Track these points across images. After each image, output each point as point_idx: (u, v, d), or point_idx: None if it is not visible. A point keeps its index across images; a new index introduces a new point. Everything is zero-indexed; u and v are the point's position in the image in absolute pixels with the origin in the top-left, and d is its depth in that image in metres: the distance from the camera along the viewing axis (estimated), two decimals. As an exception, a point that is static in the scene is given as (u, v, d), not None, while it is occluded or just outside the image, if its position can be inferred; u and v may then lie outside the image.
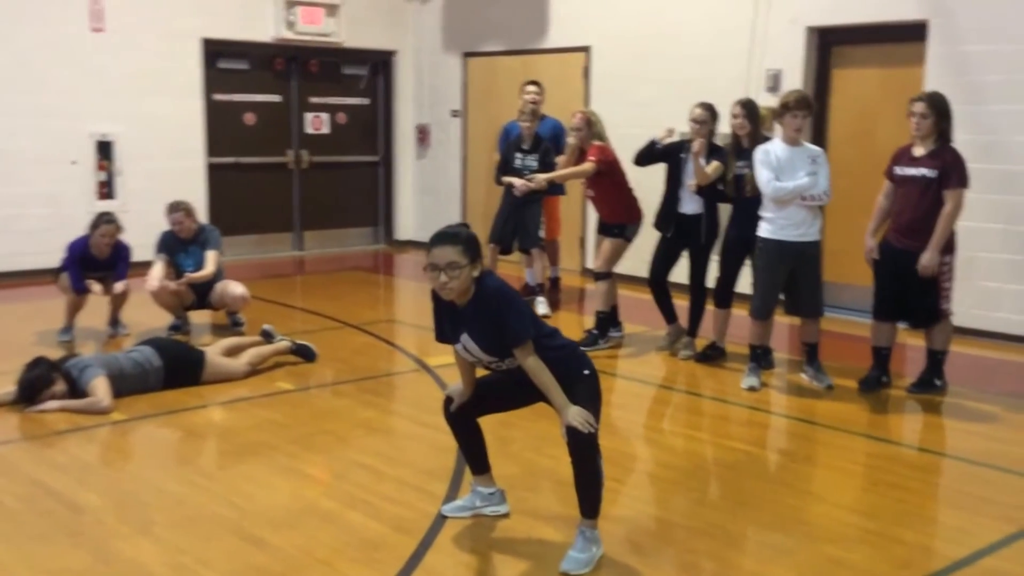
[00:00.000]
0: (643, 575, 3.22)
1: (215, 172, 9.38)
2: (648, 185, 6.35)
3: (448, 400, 3.52)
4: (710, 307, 6.00)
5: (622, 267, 6.42)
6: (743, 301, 5.78)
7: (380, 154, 10.76)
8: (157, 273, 6.29)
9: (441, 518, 3.58)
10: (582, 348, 3.56)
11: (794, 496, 3.98)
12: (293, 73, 10.02)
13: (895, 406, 5.22)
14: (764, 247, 5.31)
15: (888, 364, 5.42)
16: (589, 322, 6.54)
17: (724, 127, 5.97)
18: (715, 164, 5.75)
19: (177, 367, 5.17)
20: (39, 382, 4.79)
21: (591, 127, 6.26)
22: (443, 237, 3.17)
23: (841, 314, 6.93)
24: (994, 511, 3.80)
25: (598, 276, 6.31)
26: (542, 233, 7.30)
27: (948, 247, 5.09)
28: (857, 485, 4.22)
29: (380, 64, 10.55)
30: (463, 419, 3.51)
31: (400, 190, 10.77)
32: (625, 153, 6.22)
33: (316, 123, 10.24)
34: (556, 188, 7.38)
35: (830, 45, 7.35)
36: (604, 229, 6.37)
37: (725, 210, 5.92)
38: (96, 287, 6.24)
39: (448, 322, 3.32)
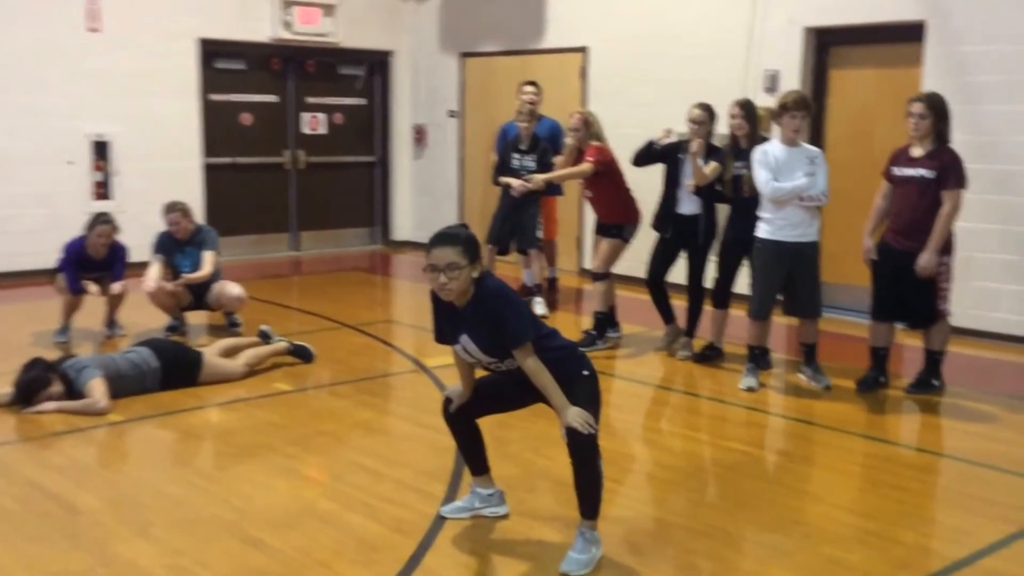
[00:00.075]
0: (642, 575, 3.23)
1: (212, 172, 9.36)
2: (646, 186, 6.34)
3: (447, 401, 3.51)
4: (708, 307, 6.00)
5: (620, 267, 6.42)
6: (741, 302, 5.78)
7: (377, 154, 10.75)
8: (154, 274, 6.27)
9: (440, 519, 3.58)
10: (580, 349, 3.56)
11: (792, 497, 3.98)
12: (290, 73, 10.01)
13: (893, 406, 5.23)
14: (762, 248, 5.31)
15: (886, 364, 5.43)
16: (587, 323, 6.53)
17: (722, 128, 5.97)
18: (713, 165, 5.75)
19: (174, 368, 5.15)
20: (36, 383, 4.78)
21: (589, 128, 6.26)
22: (442, 238, 3.17)
23: (839, 314, 6.93)
24: (993, 511, 3.80)
25: (596, 277, 6.31)
26: (540, 233, 7.29)
27: (946, 248, 5.09)
28: (855, 485, 4.23)
29: (377, 64, 10.54)
30: (462, 420, 3.50)
31: (397, 190, 10.76)
32: (623, 154, 6.22)
33: (313, 123, 10.23)
34: (554, 188, 7.38)
35: (828, 45, 7.36)
36: (602, 230, 6.37)
37: (723, 211, 5.92)
38: (92, 288, 6.22)
39: (447, 323, 3.31)
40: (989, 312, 6.52)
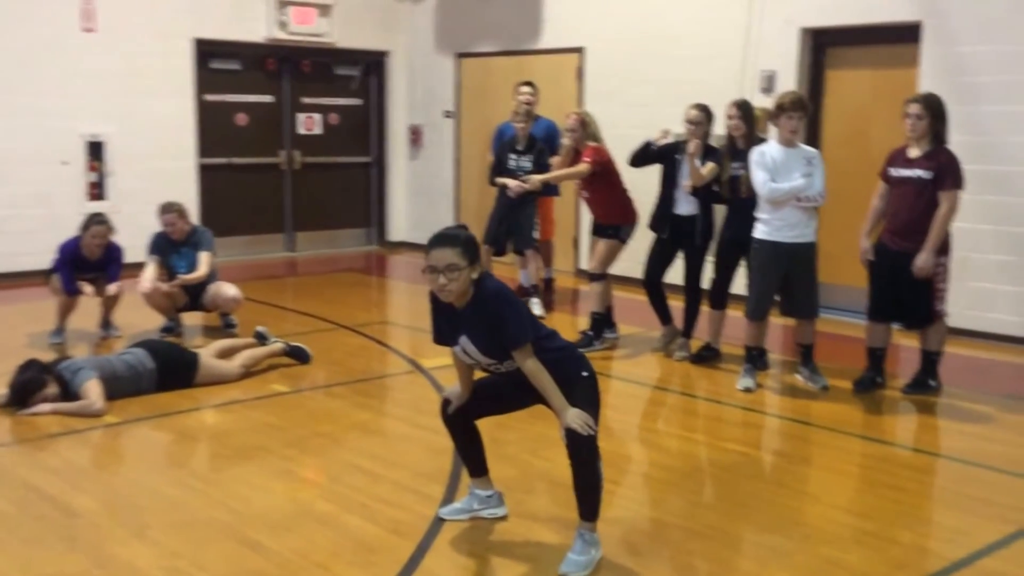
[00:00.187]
0: (640, 576, 3.22)
1: (207, 173, 9.34)
2: (643, 186, 6.34)
3: (446, 402, 3.50)
4: (705, 308, 6.00)
5: (617, 268, 6.42)
6: (738, 302, 5.78)
7: (373, 155, 10.74)
8: (149, 275, 6.25)
9: (439, 521, 3.57)
10: (579, 350, 3.55)
11: (790, 497, 3.98)
12: (285, 73, 9.99)
13: (890, 407, 5.23)
14: (760, 248, 5.31)
15: (883, 365, 5.43)
16: (583, 323, 6.53)
17: (719, 128, 5.97)
18: (710, 165, 5.75)
19: (170, 369, 5.14)
20: (31, 385, 4.75)
21: (586, 128, 6.26)
22: (442, 239, 3.15)
23: (835, 315, 6.94)
24: (991, 512, 3.81)
25: (593, 277, 6.30)
26: (536, 234, 7.29)
27: (943, 248, 5.10)
28: (853, 486, 4.23)
29: (373, 64, 10.52)
30: (461, 421, 3.49)
31: (393, 191, 10.74)
32: (620, 154, 6.22)
33: (308, 124, 10.21)
34: (550, 189, 7.38)
35: (824, 46, 7.36)
36: (599, 230, 6.37)
37: (720, 211, 5.92)
38: (88, 289, 6.20)
39: (446, 324, 3.30)
40: (985, 312, 6.53)
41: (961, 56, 6.52)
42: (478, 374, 3.44)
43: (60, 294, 6.17)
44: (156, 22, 8.76)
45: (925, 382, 5.36)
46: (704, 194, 5.86)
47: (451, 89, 10.06)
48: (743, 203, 5.53)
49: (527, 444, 4.36)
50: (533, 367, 3.16)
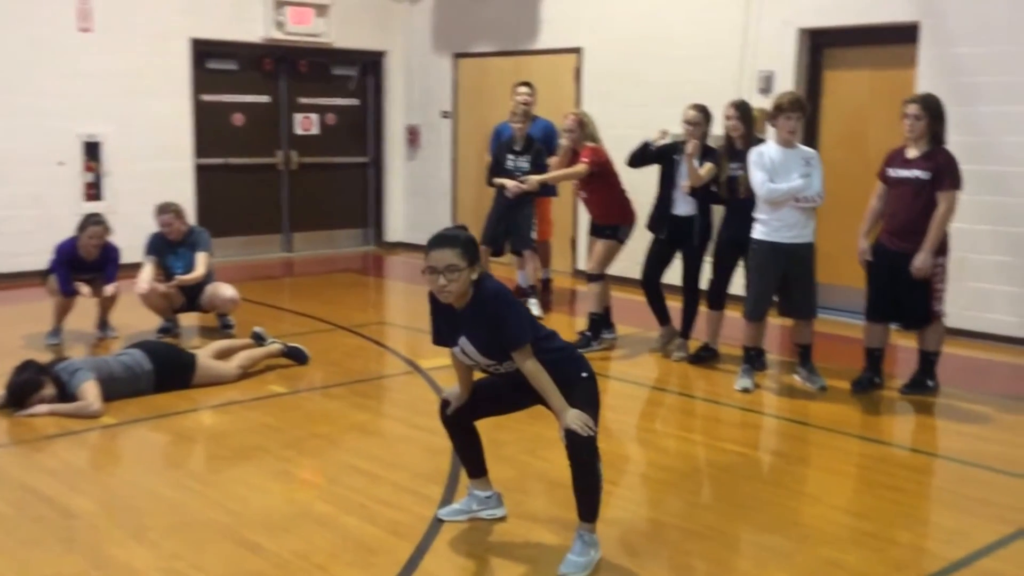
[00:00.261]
0: (639, 577, 3.22)
1: (203, 173, 9.32)
2: (641, 187, 6.34)
3: (445, 403, 3.49)
4: (703, 309, 6.00)
5: (615, 269, 6.42)
6: (736, 303, 5.78)
7: (370, 155, 10.73)
8: (146, 275, 6.24)
9: (437, 522, 3.56)
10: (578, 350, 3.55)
11: (789, 498, 3.98)
12: (282, 73, 9.97)
13: (888, 407, 5.23)
14: (758, 249, 5.31)
15: (881, 365, 5.44)
16: (581, 324, 6.52)
17: (717, 129, 5.97)
18: (708, 166, 5.75)
19: (168, 370, 5.13)
20: (28, 386, 4.74)
21: (584, 128, 6.26)
22: (442, 240, 3.15)
23: (833, 315, 6.94)
24: (989, 512, 3.81)
25: (591, 278, 6.30)
26: (534, 235, 7.28)
27: (941, 249, 5.11)
28: (851, 486, 4.23)
29: (370, 65, 10.51)
30: (460, 422, 3.49)
31: (390, 191, 10.73)
32: (618, 155, 6.22)
33: (305, 124, 10.20)
34: (548, 189, 7.37)
35: (822, 47, 7.37)
36: (597, 231, 6.37)
37: (718, 212, 5.92)
38: (84, 289, 6.19)
39: (446, 325, 3.30)
40: (983, 313, 6.54)
41: (959, 57, 6.53)
42: (477, 375, 3.44)
43: (57, 295, 6.15)
44: (153, 22, 8.74)
45: (923, 382, 5.36)
46: (702, 195, 5.86)
47: (448, 89, 10.05)
48: (741, 204, 5.53)
49: (525, 445, 4.36)
50: (532, 368, 3.16)
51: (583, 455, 3.13)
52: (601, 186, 6.23)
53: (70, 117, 8.38)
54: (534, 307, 7.06)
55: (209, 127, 9.37)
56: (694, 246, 5.98)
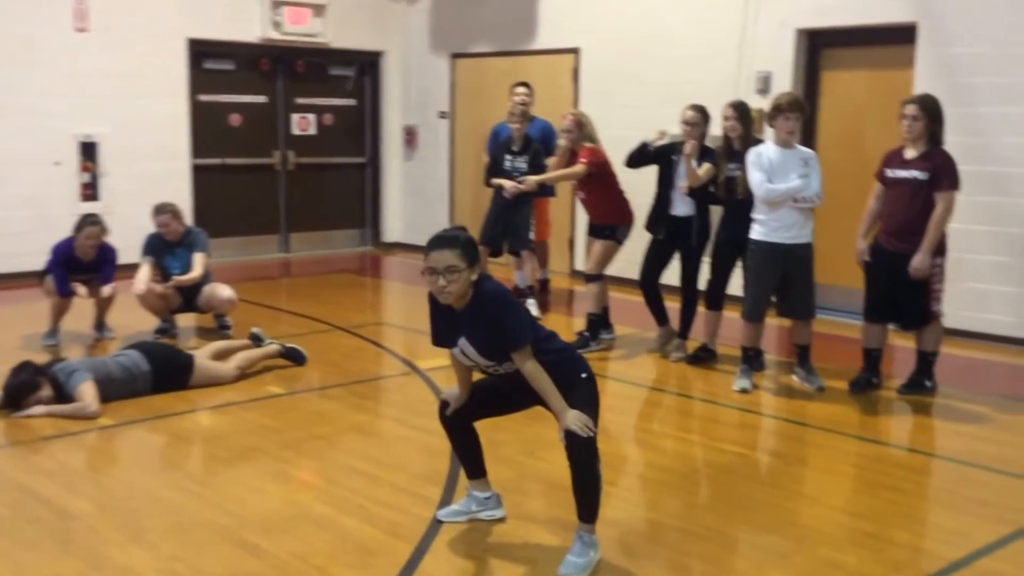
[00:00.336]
0: (638, 578, 3.22)
1: (200, 173, 9.31)
2: (639, 187, 6.34)
3: (444, 404, 3.49)
4: (701, 309, 6.00)
5: (613, 269, 6.42)
6: (735, 303, 5.79)
7: (367, 155, 10.72)
8: (144, 276, 6.22)
9: (437, 523, 3.56)
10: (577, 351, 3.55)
11: (787, 498, 3.98)
12: (279, 74, 9.96)
13: (886, 407, 5.24)
14: (756, 249, 5.31)
15: (879, 366, 5.44)
16: (579, 324, 6.52)
17: (715, 129, 5.97)
18: (707, 166, 5.76)
19: (165, 371, 5.11)
20: (25, 387, 4.73)
21: (582, 129, 6.26)
22: (441, 241, 3.14)
23: (831, 316, 6.94)
24: (988, 512, 3.81)
25: (589, 278, 6.30)
26: (532, 235, 7.28)
27: (939, 249, 5.11)
28: (850, 487, 4.23)
29: (367, 65, 10.51)
30: (460, 423, 3.48)
31: (387, 192, 10.72)
32: (616, 155, 6.21)
33: (302, 124, 10.19)
34: (546, 190, 7.37)
35: (819, 47, 7.38)
36: (595, 231, 6.37)
37: (716, 212, 5.92)
38: (81, 290, 6.17)
39: (445, 326, 3.29)
40: (980, 313, 6.54)
41: (956, 57, 6.54)
42: (476, 376, 3.43)
43: (53, 295, 6.14)
44: (150, 22, 8.73)
45: (921, 382, 5.37)
46: (700, 195, 5.86)
47: (446, 89, 10.04)
48: (739, 204, 5.53)
49: (523, 445, 4.36)
50: (532, 369, 3.15)
51: (583, 456, 3.12)
52: (599, 186, 6.23)
53: (66, 117, 8.36)
54: (532, 307, 7.06)
55: (206, 127, 9.36)
56: (692, 246, 5.98)
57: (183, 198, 8.51)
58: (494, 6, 9.43)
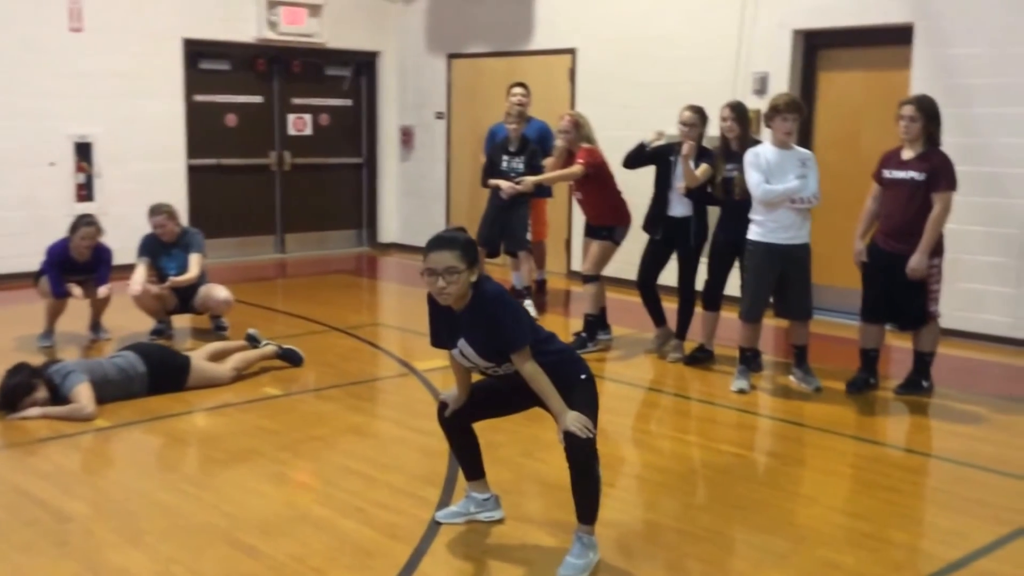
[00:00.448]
0: (636, 579, 3.21)
1: (196, 174, 9.29)
2: (637, 188, 6.34)
3: (443, 406, 3.48)
4: (699, 310, 6.00)
5: (610, 270, 6.41)
6: (732, 304, 5.79)
7: (364, 156, 10.70)
8: (139, 277, 6.21)
9: (435, 524, 3.55)
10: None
11: (785, 499, 3.98)
12: (275, 74, 9.94)
13: (883, 408, 5.24)
14: (754, 250, 5.31)
15: (876, 366, 5.45)
16: (576, 325, 6.52)
17: (713, 130, 5.97)
18: (704, 167, 5.75)
19: (162, 373, 5.10)
20: (20, 389, 4.71)
21: (579, 129, 6.25)
22: (441, 242, 3.14)
23: (829, 316, 6.95)
24: (985, 512, 3.82)
25: (586, 279, 6.30)
26: (529, 236, 7.27)
27: (937, 250, 5.12)
28: (848, 487, 4.23)
29: (363, 65, 10.49)
30: (458, 425, 3.47)
31: (384, 192, 10.71)
32: (613, 156, 6.21)
33: (299, 124, 10.17)
34: (543, 190, 7.36)
35: (816, 48, 7.38)
36: (592, 232, 6.36)
37: (714, 213, 5.92)
38: (77, 291, 6.15)
39: (445, 327, 3.28)
40: (976, 313, 6.55)
41: (953, 58, 6.55)
42: (475, 377, 3.42)
43: (49, 297, 6.12)
44: (145, 22, 8.71)
45: (918, 383, 5.37)
46: (698, 196, 5.86)
47: (442, 90, 10.03)
48: (737, 205, 5.52)
49: (520, 446, 4.35)
50: (531, 370, 3.15)
51: (582, 457, 3.12)
52: (597, 187, 6.22)
53: (61, 117, 8.33)
54: (529, 308, 7.06)
55: (202, 128, 9.34)
56: (690, 247, 5.98)
57: (179, 198, 8.48)
58: (490, 6, 9.42)
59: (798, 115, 5.24)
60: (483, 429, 3.59)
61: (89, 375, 4.82)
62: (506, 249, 7.28)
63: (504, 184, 6.87)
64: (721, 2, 7.64)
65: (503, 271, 7.71)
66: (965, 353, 6.30)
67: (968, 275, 6.51)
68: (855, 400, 5.27)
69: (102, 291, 6.15)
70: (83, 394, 4.71)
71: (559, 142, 6.40)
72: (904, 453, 4.67)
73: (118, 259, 6.36)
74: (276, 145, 10.02)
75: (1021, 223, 6.40)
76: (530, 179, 6.68)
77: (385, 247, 10.66)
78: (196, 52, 9.21)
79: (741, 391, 5.35)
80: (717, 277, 5.83)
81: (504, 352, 3.17)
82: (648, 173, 6.07)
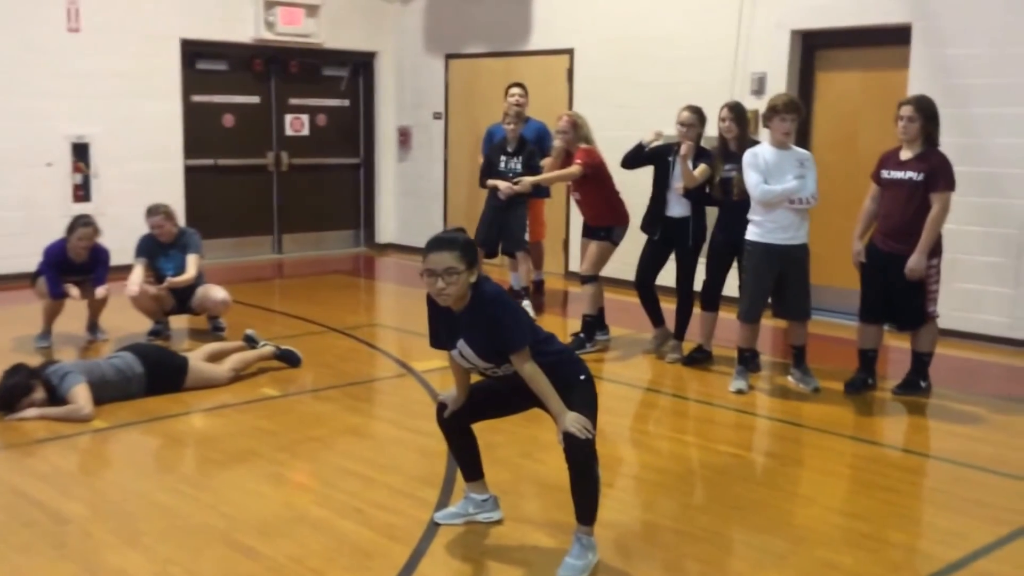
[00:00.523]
0: (635, 580, 3.21)
1: (193, 174, 9.28)
2: (635, 188, 6.34)
3: (442, 406, 3.47)
4: (697, 310, 6.00)
5: (609, 270, 6.41)
6: (731, 304, 5.79)
7: (361, 156, 10.70)
8: (137, 277, 6.20)
9: (434, 525, 3.55)
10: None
11: (784, 499, 3.98)
12: (273, 74, 9.93)
13: (881, 408, 5.25)
14: (752, 250, 5.31)
15: (874, 366, 5.45)
16: (574, 325, 6.52)
17: (711, 130, 5.97)
18: (703, 167, 5.76)
19: (160, 373, 5.09)
20: (18, 390, 4.70)
21: (577, 130, 6.25)
22: (440, 242, 3.13)
23: (827, 317, 6.95)
24: (984, 513, 3.82)
25: (584, 279, 6.29)
26: (527, 236, 7.27)
27: (935, 250, 5.12)
28: (846, 488, 4.23)
29: (361, 65, 10.48)
30: (457, 426, 3.47)
31: (381, 193, 10.70)
32: (611, 156, 6.21)
33: (296, 125, 10.16)
34: (541, 191, 7.36)
35: (814, 48, 7.39)
36: (590, 232, 6.36)
37: (712, 213, 5.92)
38: (74, 292, 6.13)
39: (444, 328, 3.28)
40: (974, 314, 6.56)
41: (951, 58, 6.55)
42: (475, 378, 3.42)
43: (46, 297, 6.10)
44: (142, 22, 8.69)
45: (916, 383, 5.38)
46: (696, 196, 5.86)
47: (440, 90, 10.03)
48: (735, 205, 5.53)
49: (519, 447, 4.35)
50: (531, 371, 3.14)
51: (581, 458, 3.12)
52: (595, 187, 6.22)
53: (58, 118, 8.32)
54: (527, 309, 7.05)
55: (199, 128, 9.33)
56: (688, 247, 5.98)
57: (176, 199, 8.47)
58: (488, 7, 9.42)
59: (796, 115, 5.24)
60: (482, 430, 3.59)
61: (87, 376, 4.81)
62: (504, 250, 7.27)
63: (502, 184, 6.87)
64: (719, 2, 7.64)
65: (501, 272, 7.71)
66: (963, 353, 6.30)
67: (966, 275, 6.52)
68: (853, 400, 5.27)
69: (100, 292, 6.13)
70: (81, 395, 4.70)
71: (557, 142, 6.40)
72: (902, 453, 4.67)
73: (115, 260, 6.34)
74: (273, 145, 10.02)
75: (1019, 223, 6.40)
76: (528, 179, 6.68)
77: (383, 247, 10.65)
78: (193, 52, 9.20)
79: (739, 391, 5.35)
80: (715, 277, 5.83)
81: (503, 353, 3.17)
82: (646, 173, 6.07)
